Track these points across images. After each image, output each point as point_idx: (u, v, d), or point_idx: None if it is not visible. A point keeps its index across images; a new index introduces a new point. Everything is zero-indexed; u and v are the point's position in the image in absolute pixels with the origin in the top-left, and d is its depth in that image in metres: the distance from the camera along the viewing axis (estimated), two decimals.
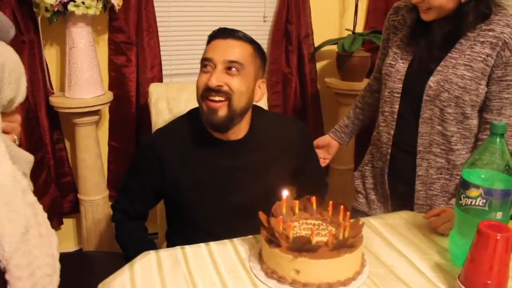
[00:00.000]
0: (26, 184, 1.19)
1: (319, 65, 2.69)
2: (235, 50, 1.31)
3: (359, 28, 2.66)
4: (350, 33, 2.54)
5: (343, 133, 1.78)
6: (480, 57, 1.36)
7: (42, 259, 1.20)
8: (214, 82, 1.28)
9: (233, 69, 1.30)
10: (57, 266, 1.27)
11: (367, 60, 2.50)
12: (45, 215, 1.25)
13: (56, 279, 1.27)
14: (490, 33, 1.35)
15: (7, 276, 1.11)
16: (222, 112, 1.30)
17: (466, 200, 1.07)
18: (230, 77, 1.30)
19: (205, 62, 1.32)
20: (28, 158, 1.19)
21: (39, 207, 1.23)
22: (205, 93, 1.30)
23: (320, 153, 1.75)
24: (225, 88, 1.29)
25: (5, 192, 1.10)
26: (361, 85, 2.48)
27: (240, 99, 1.31)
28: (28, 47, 2.05)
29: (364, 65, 2.50)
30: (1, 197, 1.08)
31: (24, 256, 1.12)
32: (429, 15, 1.37)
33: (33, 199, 1.20)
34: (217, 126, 1.33)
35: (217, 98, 1.30)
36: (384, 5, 2.65)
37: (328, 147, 1.79)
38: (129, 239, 1.46)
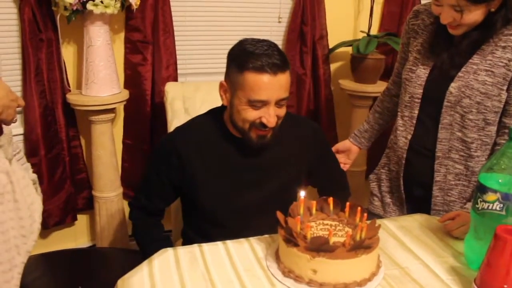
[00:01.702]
0: (1, 154, 1.22)
1: (333, 66, 2.69)
2: (285, 85, 1.30)
3: (374, 31, 2.67)
4: (365, 35, 2.55)
5: (363, 138, 1.79)
6: (502, 62, 1.35)
7: (16, 221, 1.25)
8: (272, 123, 1.30)
9: (283, 101, 1.32)
10: (35, 227, 1.32)
11: (381, 62, 2.50)
12: (27, 182, 1.29)
13: (32, 239, 1.32)
14: None
15: None
16: (269, 135, 1.34)
17: (483, 204, 1.08)
18: (279, 109, 1.32)
19: (258, 105, 1.28)
20: (6, 130, 1.22)
21: (21, 175, 1.27)
22: (258, 126, 1.31)
23: (340, 157, 1.76)
24: (278, 121, 1.33)
25: None
26: (375, 87, 2.49)
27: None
28: (46, 45, 2.07)
29: (378, 67, 2.51)
30: None
31: None
32: (459, 30, 1.36)
33: (9, 167, 1.24)
34: (263, 147, 1.37)
35: (267, 129, 1.32)
36: (399, 8, 2.65)
37: (348, 152, 1.81)
38: (146, 236, 1.48)
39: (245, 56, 1.28)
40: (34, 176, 1.35)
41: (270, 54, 1.26)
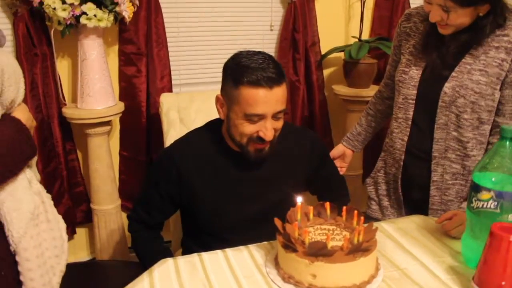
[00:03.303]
0: (32, 174, 1.25)
1: (326, 72, 2.71)
2: (282, 98, 1.29)
3: (365, 35, 2.69)
4: (357, 40, 2.57)
5: (356, 141, 1.81)
6: (495, 62, 1.37)
7: (50, 242, 1.28)
8: (270, 136, 1.30)
9: (280, 114, 1.32)
10: (65, 247, 1.34)
11: (373, 66, 2.53)
12: (51, 202, 1.32)
13: (64, 259, 1.34)
14: (505, 38, 1.36)
15: (17, 258, 1.18)
16: (267, 148, 1.35)
17: (477, 203, 1.09)
18: (276, 122, 1.32)
19: (255, 119, 1.28)
20: None
21: (46, 195, 1.30)
22: (255, 140, 1.32)
23: (336, 162, 1.78)
24: (275, 134, 1.33)
25: (10, 184, 1.17)
26: (368, 91, 2.51)
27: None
28: (41, 59, 2.09)
29: (371, 71, 2.53)
30: (7, 189, 1.15)
31: (32, 240, 1.20)
32: (447, 30, 1.38)
33: (40, 187, 1.27)
34: (261, 161, 1.37)
35: (265, 142, 1.32)
36: (390, 12, 2.68)
37: (343, 156, 1.82)
38: (146, 248, 1.48)
39: (240, 70, 1.27)
40: (42, 187, 1.36)
41: (265, 68, 1.26)
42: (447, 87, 1.41)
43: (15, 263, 1.19)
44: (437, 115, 1.44)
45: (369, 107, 1.80)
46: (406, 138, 1.52)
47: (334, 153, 1.82)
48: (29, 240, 1.18)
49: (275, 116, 1.30)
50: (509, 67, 1.36)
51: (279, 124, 1.33)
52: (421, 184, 1.53)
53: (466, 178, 1.47)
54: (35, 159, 1.29)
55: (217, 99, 1.37)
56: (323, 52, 2.61)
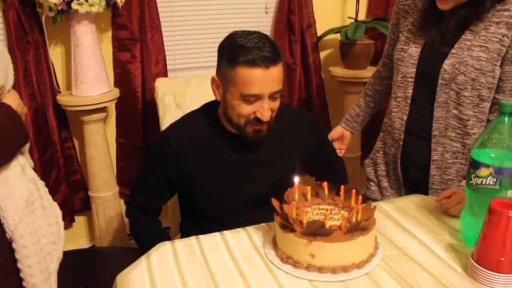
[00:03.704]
0: (25, 161, 1.25)
1: (322, 54, 2.69)
2: (278, 78, 1.28)
3: (361, 16, 2.66)
4: (353, 21, 2.54)
5: (354, 122, 1.79)
6: (496, 37, 1.34)
7: (46, 229, 1.27)
8: (267, 117, 1.28)
9: (277, 94, 1.30)
10: (62, 233, 1.34)
11: (370, 47, 2.50)
12: (46, 189, 1.31)
13: (61, 245, 1.34)
14: (506, 13, 1.33)
15: (13, 245, 1.18)
16: (265, 129, 1.33)
17: (476, 180, 1.08)
18: (273, 102, 1.31)
19: (251, 99, 1.27)
20: None
21: (40, 182, 1.29)
22: (253, 121, 1.30)
23: (334, 144, 1.77)
24: (272, 114, 1.32)
25: (3, 172, 1.16)
26: (366, 72, 2.49)
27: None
28: (33, 47, 2.06)
29: (368, 52, 2.50)
30: (0, 177, 1.14)
31: (28, 226, 1.19)
32: (446, 5, 1.35)
33: (34, 174, 1.26)
34: (259, 142, 1.36)
35: (263, 123, 1.31)
36: None
37: (342, 138, 1.81)
38: (144, 232, 1.48)
39: (235, 50, 1.25)
40: (35, 174, 1.35)
41: (261, 47, 1.24)
42: (447, 64, 1.39)
43: (12, 251, 1.18)
44: (436, 93, 1.42)
45: (367, 88, 1.78)
46: (405, 117, 1.51)
47: (332, 135, 1.81)
48: (25, 227, 1.18)
49: (272, 96, 1.29)
50: (509, 42, 1.33)
51: (276, 104, 1.32)
52: (420, 163, 1.52)
53: (466, 156, 1.46)
54: (27, 145, 1.27)
55: (213, 80, 1.35)
56: (319, 34, 2.58)
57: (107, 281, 1.28)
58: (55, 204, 1.35)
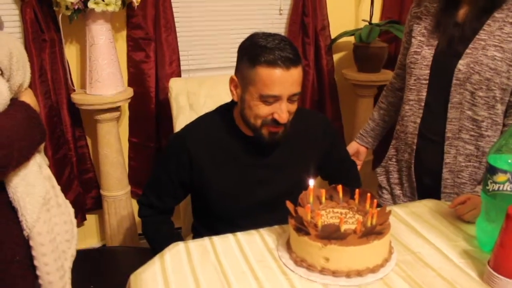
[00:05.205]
0: (42, 159, 1.25)
1: (336, 56, 2.68)
2: (298, 80, 1.28)
3: (376, 19, 2.65)
4: (367, 24, 2.53)
5: (370, 137, 1.78)
6: (510, 37, 1.34)
7: (61, 226, 1.28)
8: (285, 119, 1.28)
9: (295, 97, 1.30)
10: (75, 231, 1.35)
11: (384, 50, 2.49)
12: (59, 187, 1.32)
13: (74, 243, 1.35)
14: None
15: (31, 243, 1.19)
16: (281, 132, 1.32)
17: (493, 186, 1.07)
18: (291, 105, 1.30)
19: (270, 100, 1.26)
20: None
21: (55, 180, 1.30)
22: (270, 123, 1.30)
23: None
24: (289, 117, 1.31)
25: (22, 170, 1.17)
26: (379, 75, 2.48)
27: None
28: (49, 45, 2.08)
29: (381, 55, 2.49)
30: (20, 175, 1.15)
31: (45, 224, 1.20)
32: None
33: (49, 172, 1.27)
34: (273, 145, 1.36)
35: (279, 125, 1.30)
36: None
37: (357, 153, 1.80)
38: (157, 232, 1.48)
39: (257, 50, 1.25)
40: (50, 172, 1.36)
41: (283, 48, 1.24)
42: (461, 64, 1.38)
43: (29, 248, 1.19)
44: (451, 93, 1.41)
45: (381, 101, 1.77)
46: (418, 121, 1.49)
47: (348, 150, 1.79)
48: (42, 224, 1.18)
49: (290, 99, 1.28)
50: None
51: (294, 107, 1.32)
52: (433, 169, 1.50)
53: (480, 159, 1.45)
54: (43, 144, 1.28)
55: (231, 80, 1.34)
56: (333, 36, 2.57)
57: (118, 280, 1.29)
58: (67, 202, 1.36)
